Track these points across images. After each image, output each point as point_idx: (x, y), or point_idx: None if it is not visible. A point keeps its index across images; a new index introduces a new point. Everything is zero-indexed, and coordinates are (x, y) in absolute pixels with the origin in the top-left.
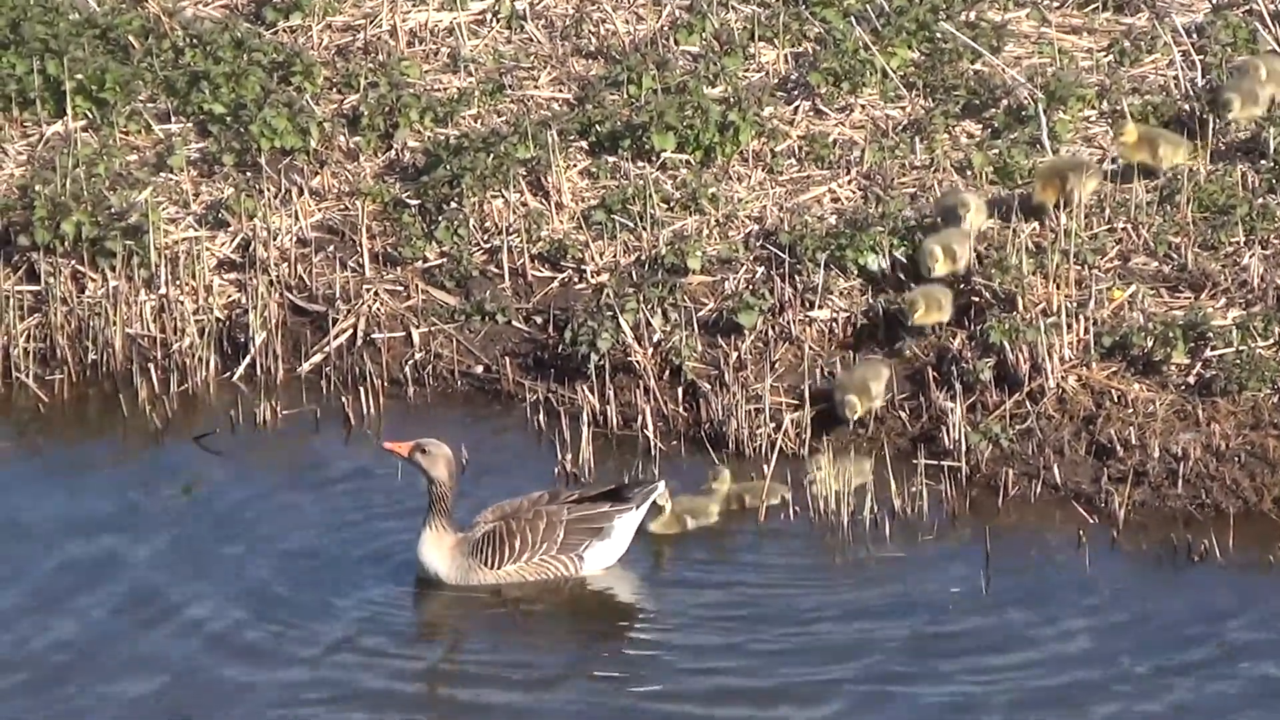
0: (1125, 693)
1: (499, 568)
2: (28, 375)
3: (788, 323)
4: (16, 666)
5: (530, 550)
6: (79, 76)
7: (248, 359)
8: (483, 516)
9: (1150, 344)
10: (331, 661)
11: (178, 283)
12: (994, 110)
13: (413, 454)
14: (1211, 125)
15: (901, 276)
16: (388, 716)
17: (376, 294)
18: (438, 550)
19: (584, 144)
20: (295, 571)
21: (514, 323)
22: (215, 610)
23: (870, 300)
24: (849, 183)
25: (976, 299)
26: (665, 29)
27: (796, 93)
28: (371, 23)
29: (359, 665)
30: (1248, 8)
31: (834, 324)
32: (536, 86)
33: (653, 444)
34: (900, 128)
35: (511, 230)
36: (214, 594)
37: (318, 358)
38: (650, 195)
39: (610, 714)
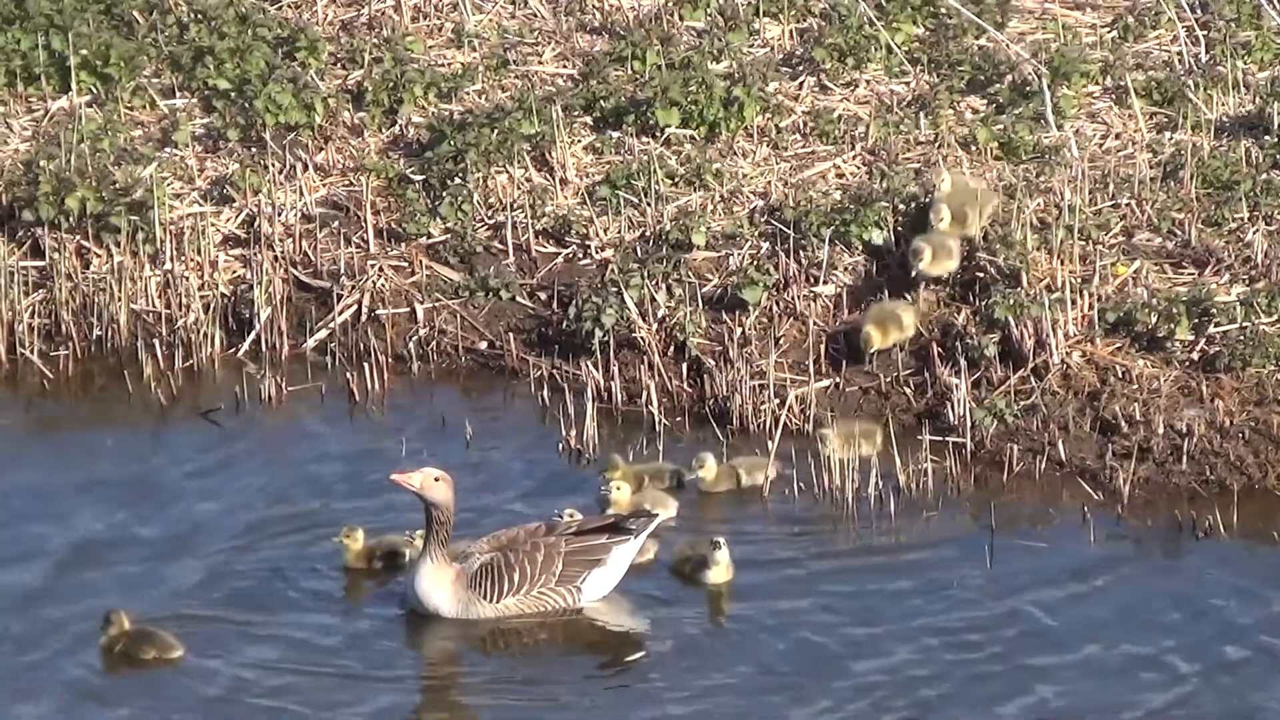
0: (1130, 668)
1: (499, 600)
2: (33, 351)
3: (792, 298)
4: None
5: (529, 582)
6: (84, 51)
7: (252, 335)
8: (478, 546)
9: (1154, 320)
10: (324, 655)
11: (182, 259)
12: (998, 86)
13: (423, 485)
14: (1214, 101)
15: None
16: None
17: (381, 270)
18: (439, 584)
19: (588, 119)
20: (297, 554)
21: (518, 299)
22: (213, 594)
23: (875, 275)
24: (853, 158)
25: (981, 274)
26: (670, 4)
27: (801, 68)
28: None
29: (353, 654)
30: None
31: (839, 299)
32: (541, 62)
33: (657, 420)
34: (905, 103)
35: (516, 206)
36: (215, 577)
37: (322, 334)
38: (655, 171)
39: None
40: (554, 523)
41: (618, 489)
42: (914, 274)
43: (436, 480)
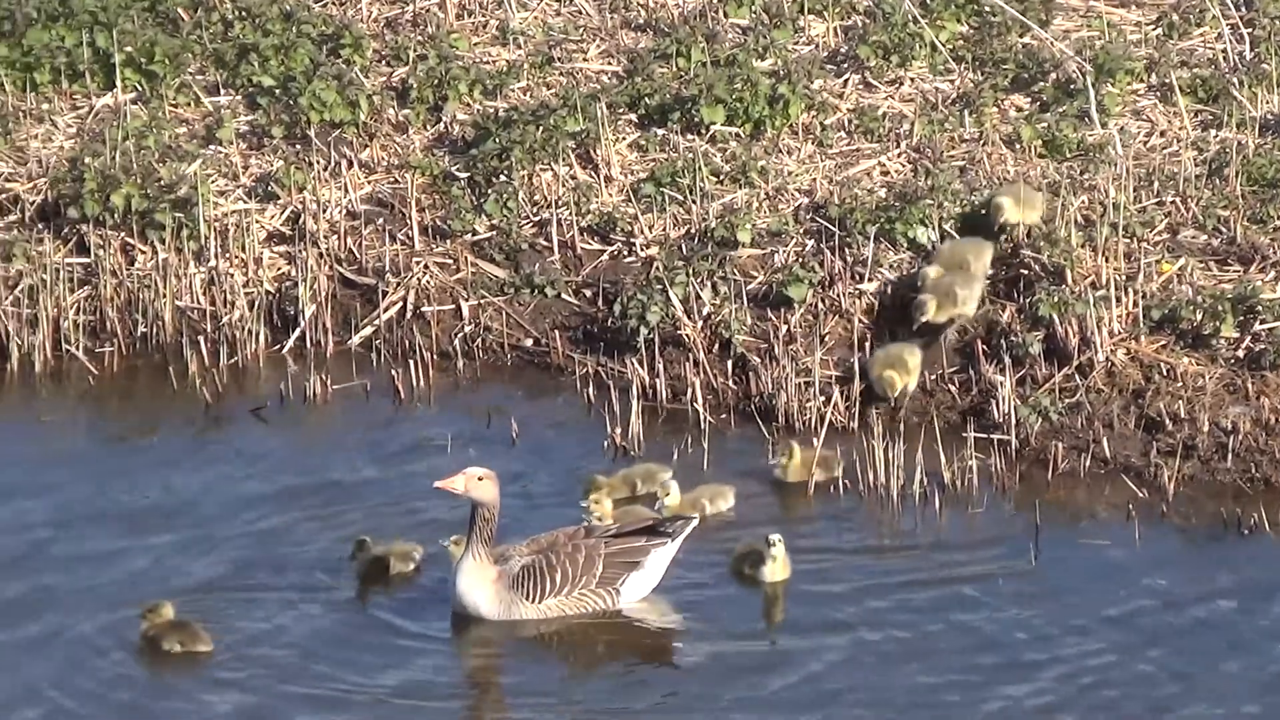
0: (1175, 665)
1: (540, 601)
2: (78, 348)
3: (837, 296)
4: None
5: (570, 583)
6: (128, 49)
7: (297, 332)
8: (517, 549)
9: (1199, 317)
10: (364, 650)
11: (227, 255)
12: (1043, 83)
13: (467, 487)
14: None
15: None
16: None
17: (426, 267)
18: (480, 583)
19: (633, 117)
20: (337, 551)
21: (563, 296)
22: (251, 588)
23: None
24: (898, 156)
25: (1026, 272)
26: (714, 1)
27: (846, 66)
28: None
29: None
30: None
31: (883, 297)
32: (585, 59)
33: (702, 417)
34: (949, 101)
35: (561, 203)
36: (254, 573)
37: (367, 331)
38: (700, 168)
39: None
40: (593, 526)
41: (596, 503)
42: (916, 327)
43: (481, 480)
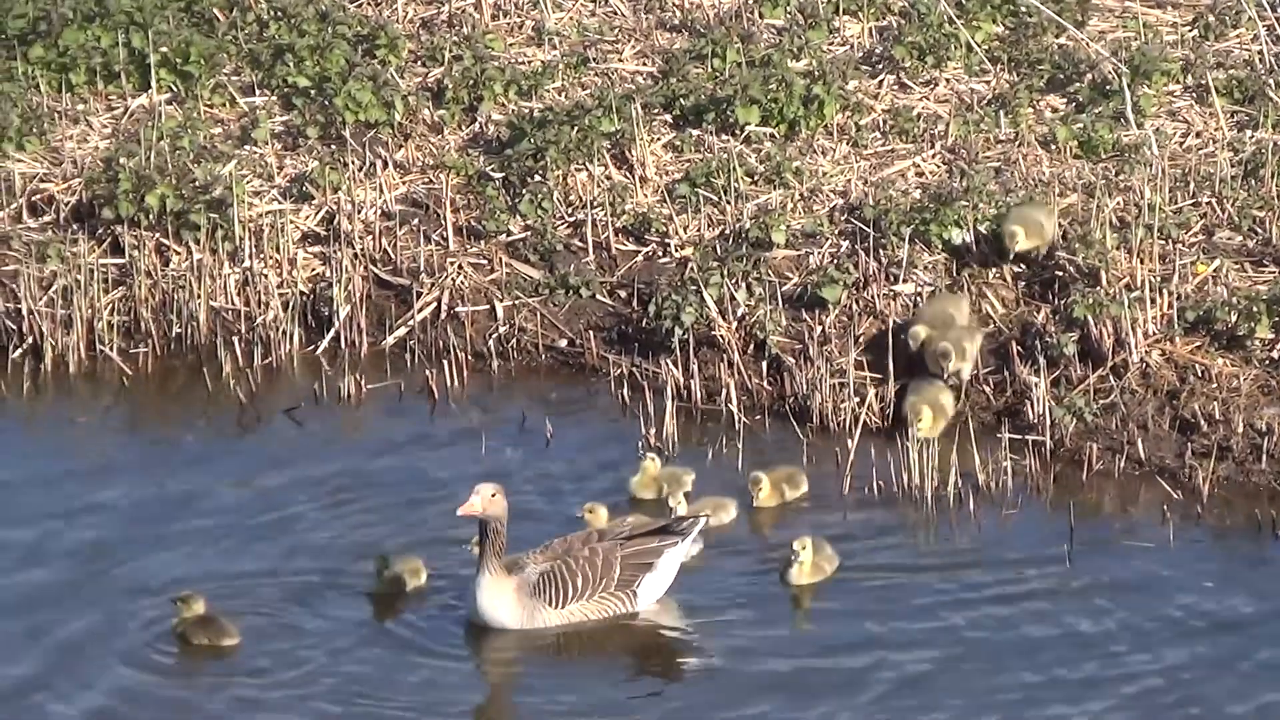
0: (1208, 665)
1: (563, 606)
2: (112, 348)
3: (872, 297)
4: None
5: (591, 587)
6: (164, 49)
7: (332, 332)
8: (531, 557)
9: (1234, 318)
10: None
11: (262, 256)
12: (1078, 84)
13: (485, 507)
14: None
15: (985, 251)
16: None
17: (460, 267)
18: (500, 596)
19: (668, 117)
20: (369, 553)
21: (598, 296)
22: (282, 589)
23: (954, 274)
24: (933, 157)
25: (1060, 273)
26: (749, 2)
27: (881, 66)
28: None
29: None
30: None
31: (918, 298)
32: (620, 60)
33: (736, 418)
34: (985, 102)
35: (595, 204)
36: (286, 579)
37: (402, 331)
38: (734, 169)
39: None
40: (604, 529)
41: (590, 512)
42: (946, 376)
43: (494, 496)
